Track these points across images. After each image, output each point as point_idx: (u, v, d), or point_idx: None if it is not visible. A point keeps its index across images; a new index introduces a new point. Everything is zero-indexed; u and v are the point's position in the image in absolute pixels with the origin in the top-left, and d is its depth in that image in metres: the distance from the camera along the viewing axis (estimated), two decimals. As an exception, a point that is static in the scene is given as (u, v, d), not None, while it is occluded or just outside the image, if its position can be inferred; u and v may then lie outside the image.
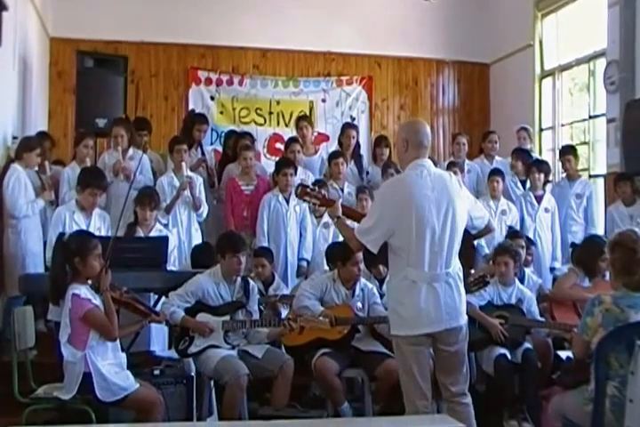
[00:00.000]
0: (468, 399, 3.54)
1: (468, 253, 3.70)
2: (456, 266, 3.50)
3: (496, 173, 6.45)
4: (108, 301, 3.75)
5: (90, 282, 3.78)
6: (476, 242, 4.11)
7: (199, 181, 6.12)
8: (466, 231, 3.59)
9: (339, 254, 4.76)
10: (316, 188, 3.91)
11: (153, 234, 5.25)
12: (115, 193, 5.87)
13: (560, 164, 6.95)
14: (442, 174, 3.58)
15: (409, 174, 3.54)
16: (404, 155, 3.60)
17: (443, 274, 3.43)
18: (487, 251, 5.83)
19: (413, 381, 3.46)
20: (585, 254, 4.84)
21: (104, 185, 5.29)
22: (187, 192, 5.95)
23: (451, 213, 3.45)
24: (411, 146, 3.55)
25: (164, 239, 4.89)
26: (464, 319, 3.52)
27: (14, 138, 6.20)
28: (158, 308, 4.49)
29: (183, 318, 4.41)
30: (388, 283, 3.71)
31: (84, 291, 3.70)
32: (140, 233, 5.23)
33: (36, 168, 5.76)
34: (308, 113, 8.74)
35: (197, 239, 5.97)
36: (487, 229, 3.75)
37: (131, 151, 6.20)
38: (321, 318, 4.40)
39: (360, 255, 4.62)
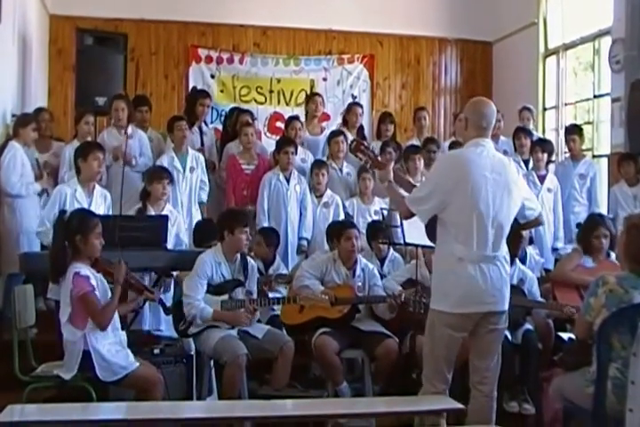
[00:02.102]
0: (495, 393, 3.51)
1: (515, 240, 3.64)
2: (504, 250, 3.46)
3: None
4: (116, 293, 3.75)
5: (90, 261, 3.77)
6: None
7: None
8: (515, 221, 3.54)
9: (335, 231, 4.79)
10: (371, 146, 3.82)
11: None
12: (114, 176, 5.84)
13: (564, 143, 6.90)
14: (502, 158, 3.54)
15: (469, 150, 3.50)
16: (464, 132, 3.58)
17: (491, 256, 3.39)
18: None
19: (438, 364, 3.43)
20: (582, 231, 4.84)
21: (104, 150, 5.19)
22: (188, 171, 5.93)
23: (506, 197, 3.42)
24: (470, 125, 3.51)
25: (164, 218, 4.86)
26: (507, 304, 3.48)
27: (13, 116, 6.16)
28: (170, 298, 4.44)
29: (214, 313, 4.37)
30: (434, 256, 3.64)
31: (84, 271, 3.69)
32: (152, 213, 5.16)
33: (36, 155, 5.73)
34: (309, 91, 8.66)
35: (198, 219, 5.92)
36: (536, 222, 3.73)
37: (130, 129, 6.17)
38: (322, 295, 4.39)
39: (354, 231, 4.62)
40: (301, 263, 5.29)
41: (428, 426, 3.38)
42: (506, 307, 3.47)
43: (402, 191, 3.64)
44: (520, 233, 3.78)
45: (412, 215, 3.53)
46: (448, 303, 3.37)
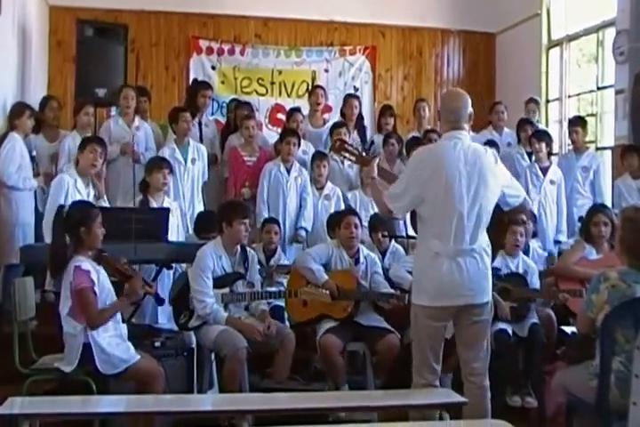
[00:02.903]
0: (487, 382, 3.51)
1: (499, 230, 3.63)
2: (483, 242, 3.45)
3: (490, 143, 6.33)
4: (120, 306, 3.74)
5: (92, 253, 3.77)
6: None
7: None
8: (499, 208, 3.54)
9: (335, 220, 4.81)
10: (354, 144, 3.84)
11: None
12: (120, 169, 5.87)
13: (567, 136, 6.85)
14: (477, 149, 3.50)
15: (442, 144, 3.51)
16: (440, 124, 3.61)
17: (468, 249, 3.39)
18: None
19: (423, 354, 3.46)
20: (584, 222, 4.83)
21: (105, 145, 5.19)
22: (189, 163, 5.91)
23: (482, 188, 3.40)
24: (442, 118, 3.55)
25: (165, 210, 4.84)
26: (488, 297, 3.48)
27: (11, 108, 6.14)
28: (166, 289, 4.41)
29: (227, 319, 4.34)
30: (414, 250, 3.69)
31: (86, 265, 3.67)
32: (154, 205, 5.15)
33: (34, 152, 5.71)
34: (310, 83, 8.63)
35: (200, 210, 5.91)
36: (521, 208, 3.71)
37: (137, 121, 6.16)
38: (322, 290, 4.37)
39: (353, 218, 4.62)
40: (306, 249, 5.30)
41: (421, 419, 3.37)
42: (485, 299, 3.46)
43: (383, 189, 3.64)
44: (504, 222, 3.75)
45: (390, 212, 3.55)
46: (426, 297, 3.43)
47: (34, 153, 5.71)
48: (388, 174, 3.81)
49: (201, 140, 6.44)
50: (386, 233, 5.12)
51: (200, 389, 4.29)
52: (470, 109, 3.53)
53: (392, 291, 4.61)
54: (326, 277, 4.56)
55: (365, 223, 5.27)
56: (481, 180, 3.40)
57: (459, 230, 3.37)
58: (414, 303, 3.50)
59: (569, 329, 4.20)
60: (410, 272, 4.62)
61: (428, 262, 3.42)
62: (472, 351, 3.51)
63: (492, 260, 4.28)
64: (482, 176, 3.41)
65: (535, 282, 4.76)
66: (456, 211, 3.36)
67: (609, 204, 6.17)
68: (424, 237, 3.48)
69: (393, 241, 5.21)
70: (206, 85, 6.95)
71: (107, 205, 5.11)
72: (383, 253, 5.12)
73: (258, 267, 4.72)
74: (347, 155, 3.80)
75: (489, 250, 3.48)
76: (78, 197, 4.79)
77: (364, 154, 3.82)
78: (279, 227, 5.52)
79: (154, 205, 5.14)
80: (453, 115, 3.47)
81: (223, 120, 7.73)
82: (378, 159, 3.82)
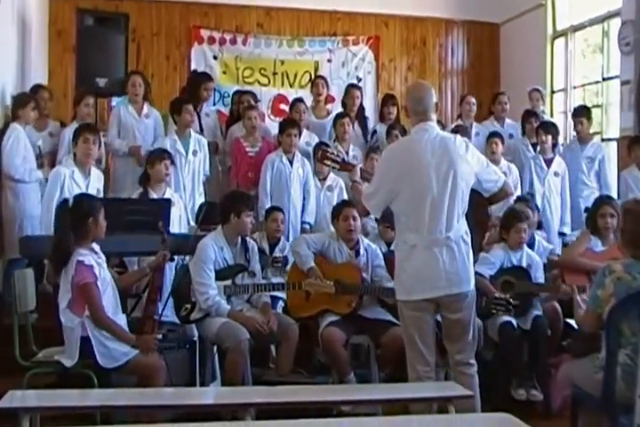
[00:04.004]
0: (473, 370, 3.52)
1: (479, 216, 3.62)
2: (460, 230, 3.44)
3: (495, 135, 6.33)
4: (126, 341, 3.70)
5: (94, 244, 3.77)
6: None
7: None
8: (478, 194, 3.53)
9: (334, 211, 4.80)
10: (335, 151, 3.92)
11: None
12: (124, 165, 5.91)
13: (572, 127, 6.81)
14: (444, 138, 3.50)
15: (410, 139, 3.57)
16: (409, 117, 3.63)
17: (443, 238, 3.39)
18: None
19: (414, 346, 3.47)
20: (589, 212, 4.80)
21: (96, 131, 5.17)
22: (191, 155, 5.87)
23: (451, 176, 3.40)
24: (410, 112, 3.59)
25: (166, 201, 4.79)
26: (469, 286, 3.47)
27: (13, 98, 6.08)
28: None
29: (230, 312, 4.31)
30: (394, 247, 3.75)
31: (88, 258, 3.66)
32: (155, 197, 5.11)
33: (39, 142, 5.67)
34: (313, 73, 8.58)
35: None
36: (503, 193, 3.67)
37: (146, 108, 6.14)
38: (327, 281, 4.33)
39: (351, 210, 4.62)
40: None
41: (421, 412, 3.35)
42: (465, 289, 3.45)
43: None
44: (485, 208, 3.74)
45: (368, 213, 3.68)
46: (404, 292, 3.48)
47: (39, 143, 5.67)
48: (371, 176, 3.85)
49: (201, 131, 6.39)
50: (389, 224, 5.07)
51: (202, 382, 4.26)
52: (436, 99, 3.56)
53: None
54: (312, 264, 4.51)
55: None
56: (450, 168, 3.41)
57: (432, 221, 3.39)
58: (397, 299, 3.54)
59: (574, 322, 4.16)
60: None
61: (404, 256, 3.46)
62: (456, 345, 3.52)
63: (480, 250, 4.29)
64: (451, 165, 3.41)
65: (540, 276, 4.72)
66: (428, 201, 3.38)
67: (614, 194, 6.14)
68: (401, 232, 3.51)
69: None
70: (208, 78, 6.89)
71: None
72: (389, 244, 5.08)
73: (257, 256, 4.67)
74: (329, 163, 3.91)
75: (467, 238, 3.47)
76: (76, 189, 4.78)
77: (346, 160, 3.98)
78: (284, 215, 5.48)
79: (154, 197, 5.10)
80: (422, 105, 3.49)
81: (225, 110, 7.69)
82: (360, 166, 3.94)
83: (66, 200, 3.86)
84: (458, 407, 3.00)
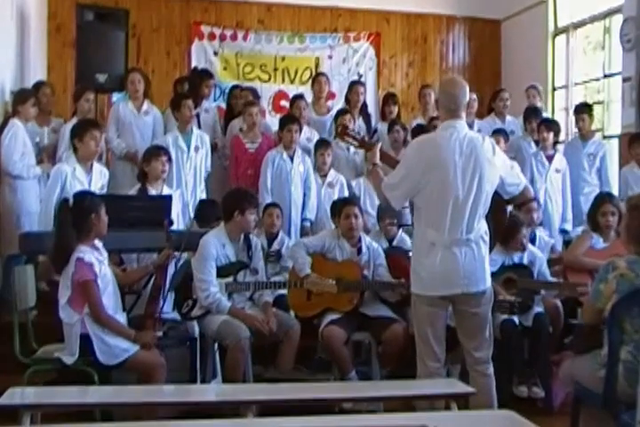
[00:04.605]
0: (491, 370, 3.52)
1: (498, 217, 3.60)
2: (480, 231, 3.43)
3: (498, 132, 6.32)
4: (126, 336, 3.69)
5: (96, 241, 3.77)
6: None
7: None
8: (499, 196, 3.51)
9: (335, 208, 4.78)
10: (357, 128, 3.85)
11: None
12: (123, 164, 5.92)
13: (573, 124, 6.79)
14: (473, 138, 3.47)
15: (439, 135, 3.51)
16: (439, 113, 3.61)
17: (463, 239, 3.39)
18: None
19: (426, 342, 3.46)
20: (590, 210, 4.78)
21: (100, 127, 5.16)
22: (192, 151, 5.86)
23: (477, 178, 3.38)
24: (441, 107, 3.55)
25: (168, 198, 4.77)
26: (486, 284, 3.48)
27: (12, 93, 6.05)
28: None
29: (230, 309, 4.29)
30: (412, 240, 3.74)
31: (89, 256, 3.64)
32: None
33: (38, 138, 5.64)
34: (313, 70, 8.55)
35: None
36: (523, 197, 3.69)
37: (145, 105, 6.11)
38: (329, 280, 4.31)
39: (353, 209, 4.60)
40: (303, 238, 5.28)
41: (427, 409, 3.34)
42: (482, 288, 3.45)
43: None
44: (504, 210, 3.72)
45: (387, 201, 3.58)
46: (422, 286, 3.46)
47: (37, 139, 5.65)
48: (392, 160, 3.82)
49: (199, 127, 6.37)
50: (395, 221, 5.06)
51: (203, 379, 4.25)
52: (468, 97, 3.52)
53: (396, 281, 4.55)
54: (308, 271, 4.46)
55: (372, 211, 5.22)
56: (476, 169, 3.39)
57: (454, 221, 3.37)
58: (412, 292, 3.53)
59: (576, 321, 4.17)
60: None
61: (424, 252, 3.44)
62: (474, 341, 3.51)
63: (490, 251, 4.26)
64: (478, 166, 3.39)
65: (545, 271, 4.71)
66: (451, 201, 3.36)
67: (615, 191, 6.13)
68: (420, 227, 3.49)
69: (401, 230, 5.16)
70: (209, 74, 6.90)
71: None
72: (390, 242, 5.06)
73: (261, 253, 4.66)
74: (349, 140, 3.84)
75: (486, 237, 3.46)
76: (78, 186, 4.75)
77: (366, 139, 3.84)
78: (281, 211, 5.46)
79: (152, 193, 5.08)
80: (454, 102, 3.46)
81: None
82: (380, 144, 3.83)
83: (66, 199, 3.84)
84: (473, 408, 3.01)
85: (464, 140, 3.41)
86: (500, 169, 3.48)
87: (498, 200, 3.53)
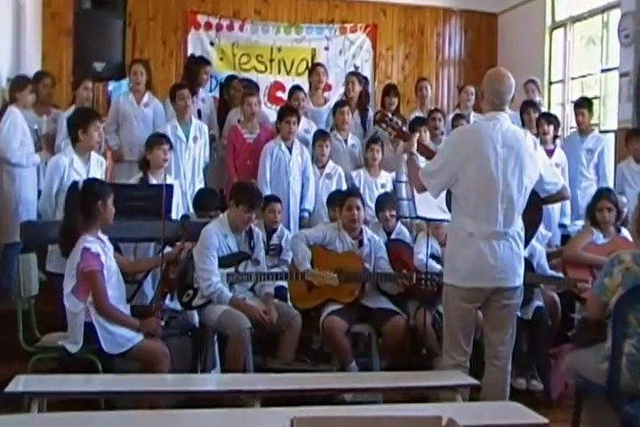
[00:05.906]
0: (509, 367, 3.54)
1: (532, 215, 3.61)
2: (517, 226, 3.42)
3: None
4: (131, 327, 3.69)
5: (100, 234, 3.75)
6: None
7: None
8: (535, 193, 3.51)
9: (337, 200, 4.76)
10: (395, 117, 3.84)
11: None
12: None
13: (570, 118, 6.80)
14: (516, 131, 3.47)
15: (481, 124, 3.50)
16: (482, 103, 3.57)
17: (502, 232, 3.37)
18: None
19: (455, 336, 3.46)
20: (589, 205, 4.81)
21: (100, 117, 5.14)
22: (191, 141, 5.84)
23: (517, 172, 3.37)
24: (486, 99, 3.51)
25: (169, 187, 4.74)
26: (520, 281, 3.47)
27: (8, 80, 6.01)
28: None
29: (232, 299, 4.28)
30: (448, 229, 3.71)
31: (95, 246, 3.63)
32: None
33: (35, 126, 5.59)
34: (310, 61, 8.52)
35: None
36: (559, 196, 3.69)
37: (146, 97, 6.08)
38: (330, 273, 4.31)
39: (355, 200, 4.56)
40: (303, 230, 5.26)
41: (443, 400, 3.35)
42: (517, 283, 3.46)
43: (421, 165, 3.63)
44: (540, 208, 3.72)
45: (425, 189, 3.55)
46: (458, 277, 3.42)
47: (35, 127, 5.60)
48: (428, 151, 3.79)
49: (199, 116, 6.34)
50: (394, 213, 5.07)
51: (203, 368, 4.24)
52: (513, 92, 3.50)
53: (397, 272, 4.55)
54: (308, 266, 4.46)
55: (371, 203, 5.22)
56: (517, 163, 3.37)
57: (492, 212, 3.35)
58: (446, 283, 3.49)
59: (576, 317, 4.20)
60: None
61: (461, 242, 3.41)
62: (499, 334, 3.52)
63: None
64: (519, 159, 3.38)
65: (544, 264, 4.74)
66: (490, 192, 3.34)
67: (612, 186, 6.15)
68: (458, 216, 3.47)
69: (399, 223, 5.16)
70: (206, 62, 6.88)
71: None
72: (389, 234, 5.07)
73: (262, 245, 4.66)
74: (388, 129, 3.82)
75: (522, 234, 3.46)
76: (75, 177, 4.68)
77: (404, 129, 3.79)
78: (281, 205, 5.44)
79: (154, 182, 5.05)
80: (499, 98, 3.44)
81: (221, 97, 7.64)
82: (418, 135, 3.82)
83: (76, 183, 3.83)
84: None
85: (507, 131, 3.40)
86: (540, 166, 3.48)
87: (534, 198, 3.52)
